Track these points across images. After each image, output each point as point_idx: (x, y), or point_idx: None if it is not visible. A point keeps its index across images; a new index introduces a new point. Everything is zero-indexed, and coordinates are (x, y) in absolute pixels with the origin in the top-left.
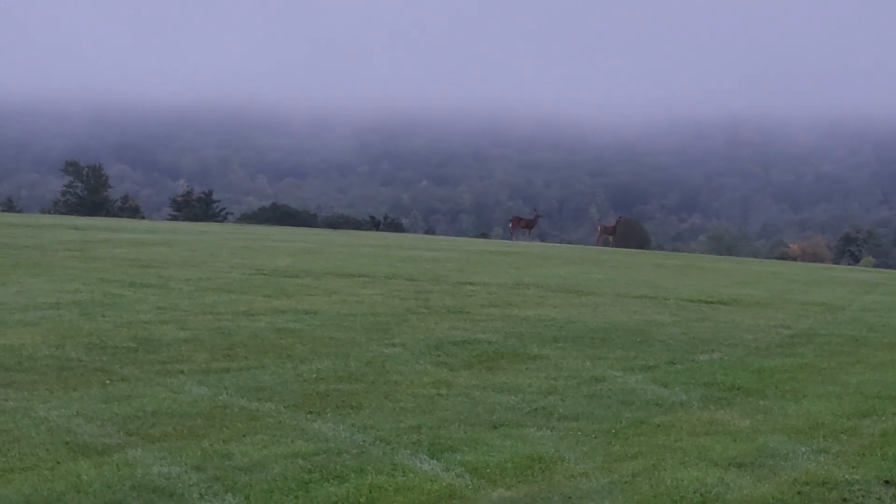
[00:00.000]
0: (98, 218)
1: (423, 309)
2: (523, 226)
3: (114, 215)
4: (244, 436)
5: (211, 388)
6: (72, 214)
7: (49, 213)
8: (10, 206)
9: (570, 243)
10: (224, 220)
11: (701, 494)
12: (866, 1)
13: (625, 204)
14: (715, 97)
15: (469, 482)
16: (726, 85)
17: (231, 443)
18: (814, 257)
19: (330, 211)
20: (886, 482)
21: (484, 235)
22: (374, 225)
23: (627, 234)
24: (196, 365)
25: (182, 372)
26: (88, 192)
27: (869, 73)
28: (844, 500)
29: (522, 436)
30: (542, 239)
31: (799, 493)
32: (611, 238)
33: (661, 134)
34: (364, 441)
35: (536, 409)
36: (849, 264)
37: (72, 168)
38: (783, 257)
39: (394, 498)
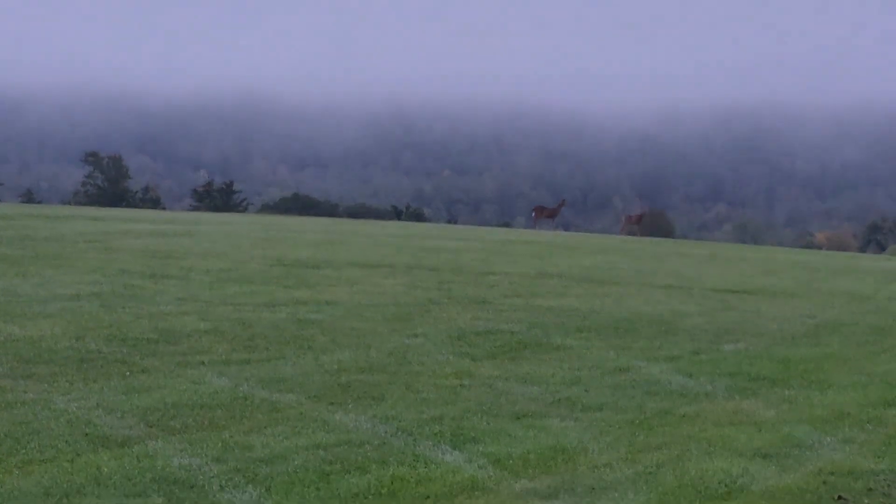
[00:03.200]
0: (118, 209)
1: (446, 299)
2: (546, 215)
3: (134, 206)
4: (265, 427)
5: (232, 380)
6: (92, 206)
7: (69, 204)
8: (30, 198)
9: (594, 233)
10: (245, 210)
11: (726, 485)
12: None
13: (649, 193)
14: (739, 85)
15: (492, 473)
16: (750, 72)
17: (252, 434)
18: (839, 246)
19: (351, 201)
20: None
21: (506, 225)
22: (396, 215)
23: (652, 224)
24: (217, 356)
25: (203, 363)
26: (108, 183)
27: (892, 61)
28: (870, 489)
29: (545, 427)
30: (566, 228)
31: (824, 483)
32: (636, 228)
33: (685, 123)
34: (386, 432)
35: (560, 400)
36: (875, 253)
37: (92, 159)
38: (809, 246)
39: (416, 489)
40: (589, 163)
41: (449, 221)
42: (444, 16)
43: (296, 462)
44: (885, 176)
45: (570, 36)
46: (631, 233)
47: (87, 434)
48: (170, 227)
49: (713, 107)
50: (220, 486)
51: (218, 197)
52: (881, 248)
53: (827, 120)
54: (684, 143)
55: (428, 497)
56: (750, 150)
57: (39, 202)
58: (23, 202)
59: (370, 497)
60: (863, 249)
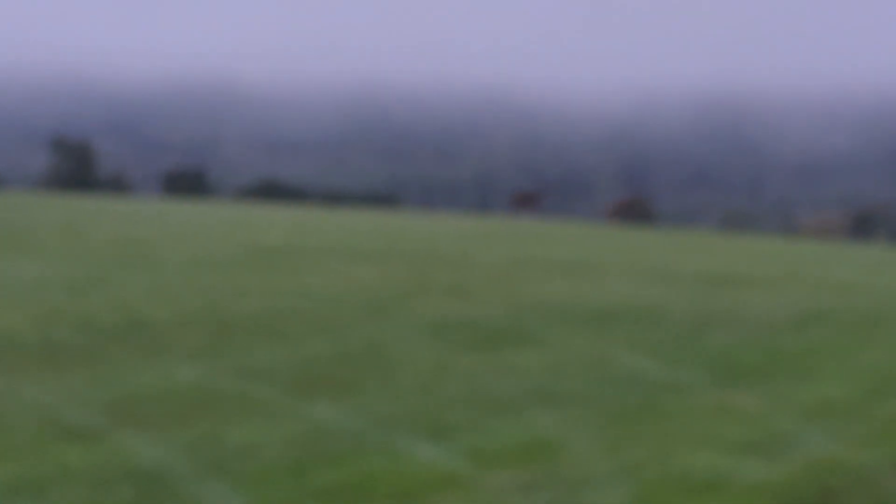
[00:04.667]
0: (86, 195)
1: (423, 288)
2: (526, 202)
3: (102, 192)
4: (237, 419)
5: (203, 371)
6: (59, 191)
7: (35, 189)
8: None
9: (575, 220)
10: (216, 196)
11: (710, 479)
12: None
13: (633, 179)
14: (725, 71)
15: (470, 467)
16: (736, 58)
17: (223, 426)
18: (827, 234)
19: (326, 186)
20: None
21: (485, 212)
22: (372, 201)
23: (634, 211)
24: (187, 346)
25: (173, 354)
26: (76, 168)
27: (885, 46)
28: (856, 482)
29: (525, 419)
30: (546, 216)
31: (810, 476)
32: (618, 216)
33: (670, 109)
34: (361, 424)
35: (539, 392)
36: (863, 241)
37: (59, 145)
38: (796, 234)
39: (392, 483)
40: (570, 149)
41: (426, 208)
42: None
43: (268, 455)
44: (872, 163)
45: (552, 21)
46: (613, 220)
47: (55, 426)
48: (139, 213)
49: (698, 93)
50: (191, 479)
51: (188, 182)
52: (869, 237)
53: (813, 106)
54: (668, 129)
55: (404, 490)
56: (736, 137)
57: (4, 187)
58: None
59: (345, 490)
60: (851, 238)
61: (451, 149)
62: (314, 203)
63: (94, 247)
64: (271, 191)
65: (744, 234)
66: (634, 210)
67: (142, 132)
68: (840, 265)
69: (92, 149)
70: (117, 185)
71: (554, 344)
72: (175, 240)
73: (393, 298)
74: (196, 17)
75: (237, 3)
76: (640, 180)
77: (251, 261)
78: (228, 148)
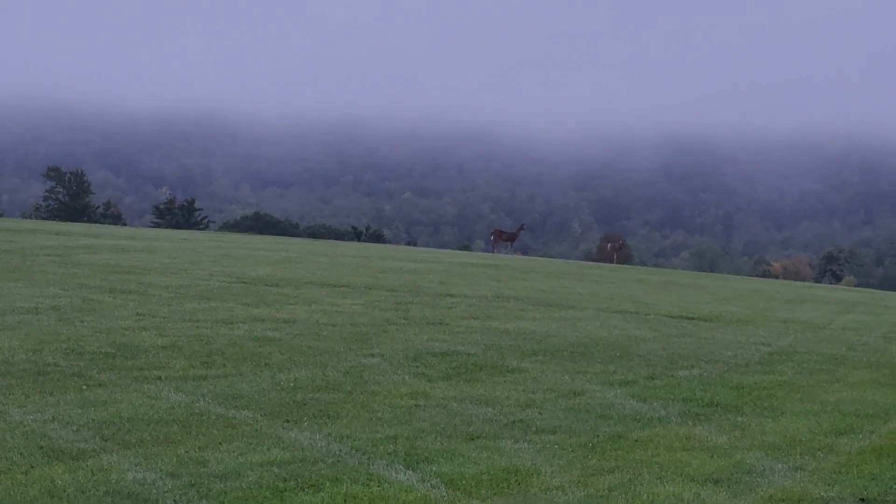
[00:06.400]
0: (79, 224)
1: (403, 320)
2: (505, 238)
3: (95, 221)
4: (220, 443)
5: (188, 395)
6: (53, 220)
7: (30, 218)
8: None
9: (553, 257)
10: (206, 228)
11: None
12: (855, 21)
13: (608, 219)
14: (700, 114)
15: (445, 494)
16: (711, 101)
17: (207, 450)
18: (796, 275)
19: (312, 221)
20: (862, 500)
21: (466, 248)
22: (356, 235)
23: (613, 250)
24: (174, 372)
25: (160, 378)
26: (70, 197)
27: (856, 92)
28: None
29: (499, 448)
30: (525, 252)
31: None
32: (616, 255)
33: (646, 149)
34: (340, 450)
35: (514, 422)
36: (830, 283)
37: (54, 173)
38: (765, 275)
39: None
40: (548, 188)
41: (409, 243)
42: (409, 39)
43: (250, 478)
44: (841, 206)
45: (534, 63)
46: (610, 259)
47: (41, 447)
48: (130, 242)
49: (674, 134)
50: (175, 500)
51: (179, 214)
52: (837, 279)
53: (787, 150)
54: (644, 170)
55: None
56: (709, 178)
57: (0, 215)
58: None
59: None
60: (818, 279)
61: (435, 187)
62: (300, 236)
63: (86, 274)
64: (260, 224)
65: (714, 273)
66: (623, 249)
67: (136, 164)
68: (807, 305)
69: (86, 179)
70: (110, 215)
71: (529, 376)
72: (164, 269)
73: (374, 329)
74: (194, 52)
75: (234, 39)
76: (616, 219)
77: (238, 290)
78: (219, 181)
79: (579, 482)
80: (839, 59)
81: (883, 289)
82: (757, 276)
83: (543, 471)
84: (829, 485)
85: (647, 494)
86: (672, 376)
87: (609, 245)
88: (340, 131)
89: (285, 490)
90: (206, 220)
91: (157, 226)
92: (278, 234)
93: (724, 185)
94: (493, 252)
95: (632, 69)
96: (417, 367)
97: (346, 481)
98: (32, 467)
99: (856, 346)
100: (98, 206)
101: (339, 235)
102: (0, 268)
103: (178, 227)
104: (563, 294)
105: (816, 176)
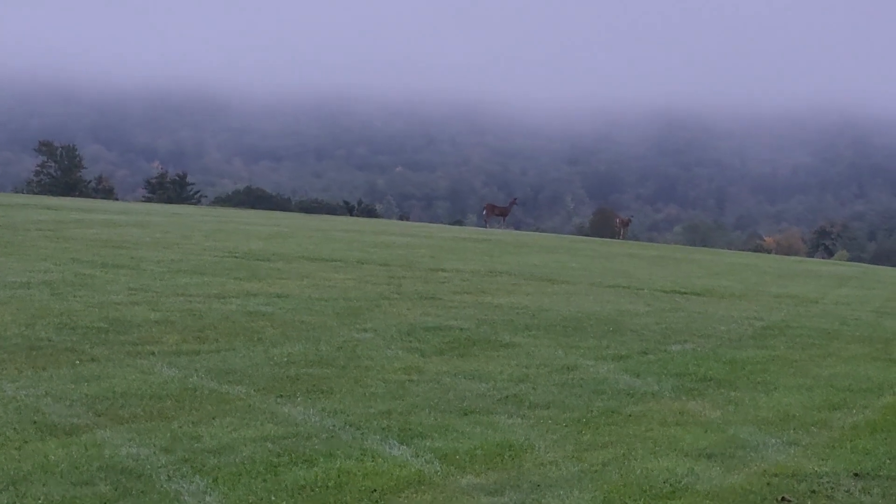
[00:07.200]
0: (71, 198)
1: (396, 294)
2: (497, 213)
3: (87, 196)
4: (213, 418)
5: (181, 370)
6: (45, 194)
7: (22, 192)
8: None
9: (545, 231)
10: (198, 202)
11: (671, 484)
12: None
13: (601, 193)
14: (693, 87)
15: (438, 468)
16: (704, 75)
17: (200, 425)
18: (788, 250)
19: (304, 195)
20: (856, 475)
21: (458, 222)
22: (349, 210)
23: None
24: (167, 347)
25: (152, 353)
26: (62, 172)
27: (849, 65)
28: (813, 491)
29: (493, 423)
30: (517, 227)
31: (768, 484)
32: (622, 231)
33: (639, 123)
34: (334, 425)
35: (507, 397)
36: (823, 257)
37: (45, 148)
38: (758, 249)
39: (362, 483)
40: (541, 162)
41: (401, 217)
42: (400, 13)
43: (243, 453)
44: (834, 180)
45: (527, 37)
46: (618, 235)
47: (34, 422)
48: (122, 217)
49: (668, 108)
50: (168, 475)
51: (171, 188)
52: (829, 253)
53: (780, 123)
54: (637, 143)
55: (374, 490)
56: (702, 152)
57: None
58: None
59: (317, 489)
60: (811, 253)
61: (428, 161)
62: (292, 210)
63: (78, 249)
64: (252, 198)
65: (707, 247)
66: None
67: (128, 138)
68: (799, 280)
69: (78, 153)
70: (102, 190)
71: (522, 351)
72: (156, 243)
73: (367, 304)
74: (185, 25)
75: (225, 11)
76: (609, 193)
77: (230, 265)
78: (211, 155)
79: (573, 457)
80: (832, 33)
81: (875, 263)
82: (750, 250)
83: (537, 446)
84: (822, 460)
85: (641, 469)
86: (665, 351)
87: (618, 220)
88: (333, 105)
89: (279, 465)
90: (198, 195)
91: (149, 200)
92: (270, 209)
93: (717, 158)
94: (485, 226)
95: (625, 43)
96: (410, 341)
97: (340, 456)
98: (26, 442)
99: (848, 321)
100: (90, 181)
101: (331, 210)
102: None
103: (170, 201)
104: (555, 269)
105: (809, 149)
